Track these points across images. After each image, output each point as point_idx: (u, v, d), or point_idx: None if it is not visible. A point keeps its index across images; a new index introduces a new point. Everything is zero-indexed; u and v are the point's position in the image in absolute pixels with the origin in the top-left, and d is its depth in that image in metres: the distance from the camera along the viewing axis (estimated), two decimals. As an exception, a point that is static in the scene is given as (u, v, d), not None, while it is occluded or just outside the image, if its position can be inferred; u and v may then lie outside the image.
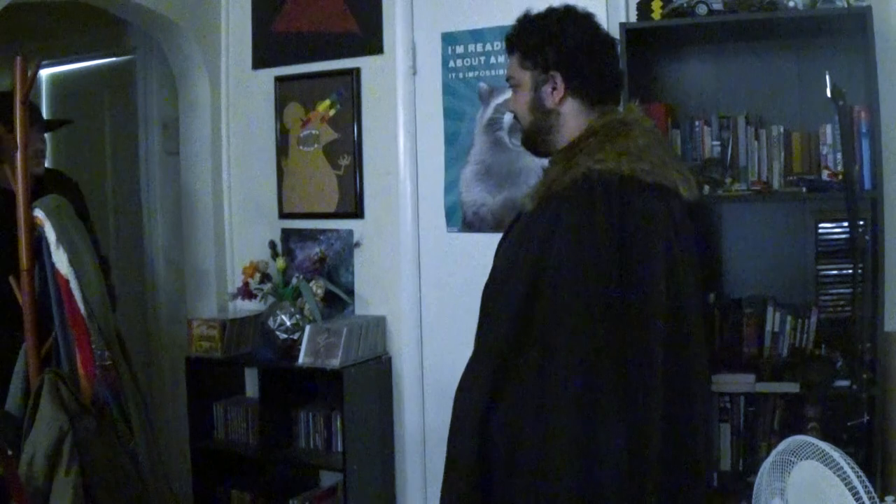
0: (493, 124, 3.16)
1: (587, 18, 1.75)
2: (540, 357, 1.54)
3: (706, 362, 1.74)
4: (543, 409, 1.53)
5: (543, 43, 1.72)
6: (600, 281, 1.53)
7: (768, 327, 2.76)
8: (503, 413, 1.56)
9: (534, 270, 1.58)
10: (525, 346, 1.56)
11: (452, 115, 3.25)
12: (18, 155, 2.17)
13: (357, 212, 3.41)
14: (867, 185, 2.53)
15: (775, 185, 2.71)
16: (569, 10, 1.76)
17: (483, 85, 3.18)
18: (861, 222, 2.53)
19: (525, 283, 1.58)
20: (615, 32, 2.78)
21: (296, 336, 3.21)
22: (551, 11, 1.76)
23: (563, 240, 1.57)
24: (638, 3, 2.79)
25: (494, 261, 1.76)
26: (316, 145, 3.49)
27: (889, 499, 1.94)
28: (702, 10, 2.60)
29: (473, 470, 1.58)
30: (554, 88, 1.72)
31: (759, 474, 1.98)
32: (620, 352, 1.52)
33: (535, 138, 1.79)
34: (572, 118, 1.73)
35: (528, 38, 1.75)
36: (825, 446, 1.79)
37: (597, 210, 1.55)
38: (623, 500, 1.50)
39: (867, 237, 2.54)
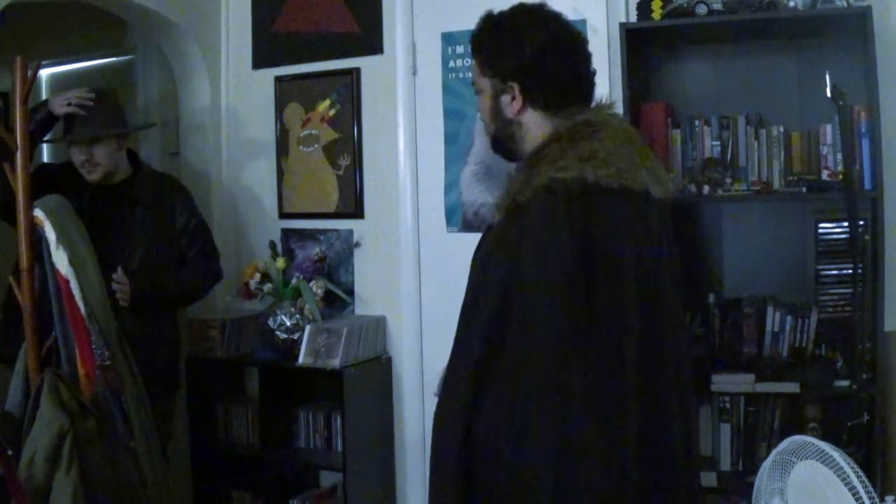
0: (493, 124, 3.16)
1: (552, 20, 1.67)
2: (512, 373, 1.52)
3: (685, 363, 1.71)
4: (520, 420, 1.51)
5: (501, 52, 1.66)
6: (566, 294, 1.50)
7: (768, 327, 2.76)
8: (483, 425, 1.54)
9: (503, 287, 1.55)
10: (498, 363, 1.53)
11: (452, 115, 3.25)
12: (19, 155, 2.17)
13: (357, 212, 3.41)
14: (867, 185, 2.53)
15: (775, 185, 2.71)
16: (531, 13, 1.68)
17: (483, 85, 3.18)
18: (861, 222, 2.53)
19: (495, 302, 1.55)
20: (615, 32, 2.79)
21: (296, 336, 3.21)
22: (514, 13, 1.69)
23: (528, 254, 1.53)
24: (638, 3, 2.79)
25: (469, 273, 1.72)
26: (316, 145, 3.49)
27: (889, 499, 1.94)
28: (702, 10, 2.60)
29: (459, 491, 1.56)
30: (513, 98, 1.66)
31: (759, 474, 1.98)
32: (591, 364, 1.50)
33: (501, 145, 1.75)
34: (535, 127, 1.68)
35: (487, 44, 1.70)
36: (825, 446, 1.80)
37: (559, 221, 1.51)
38: (601, 496, 1.50)
39: (867, 237, 2.54)
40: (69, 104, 2.64)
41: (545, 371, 1.50)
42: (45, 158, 4.07)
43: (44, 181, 2.55)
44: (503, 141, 1.73)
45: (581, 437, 1.49)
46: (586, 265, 1.50)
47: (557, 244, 1.51)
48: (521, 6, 1.70)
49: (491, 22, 1.71)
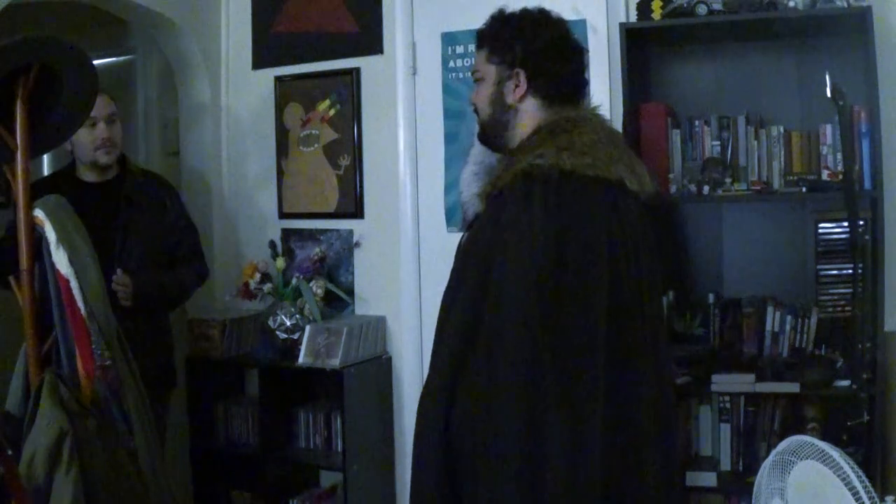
0: (493, 124, 3.15)
1: (559, 23, 1.81)
2: (486, 357, 1.56)
3: (661, 352, 1.74)
4: (492, 406, 1.55)
5: (513, 40, 1.77)
6: (538, 277, 1.55)
7: (768, 327, 2.76)
8: (459, 413, 1.57)
9: (480, 273, 1.61)
10: (475, 349, 1.58)
11: (452, 115, 3.25)
12: (18, 155, 2.17)
13: (357, 212, 3.41)
14: (867, 185, 2.54)
15: (775, 185, 2.71)
16: (542, 14, 1.81)
17: (483, 85, 3.18)
18: (861, 222, 2.53)
19: (473, 288, 1.61)
20: (615, 32, 2.79)
21: (296, 336, 3.21)
22: (526, 12, 1.81)
23: (504, 238, 1.60)
24: (638, 3, 2.79)
25: (454, 261, 1.76)
26: (316, 145, 3.49)
27: (889, 499, 1.94)
28: (702, 10, 2.60)
29: (440, 477, 1.59)
30: (517, 85, 1.77)
31: (759, 474, 1.99)
32: (561, 348, 1.54)
33: (492, 132, 1.86)
34: (529, 116, 1.78)
35: (499, 34, 1.80)
36: (825, 446, 1.80)
37: (534, 205, 1.58)
38: (566, 485, 1.53)
39: (867, 237, 2.54)
40: None
41: (515, 361, 1.54)
42: (46, 170, 4.06)
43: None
44: (496, 128, 1.84)
45: (550, 437, 1.52)
46: (560, 249, 1.56)
47: (533, 228, 1.57)
48: (529, 8, 1.83)
49: (502, 16, 1.83)
